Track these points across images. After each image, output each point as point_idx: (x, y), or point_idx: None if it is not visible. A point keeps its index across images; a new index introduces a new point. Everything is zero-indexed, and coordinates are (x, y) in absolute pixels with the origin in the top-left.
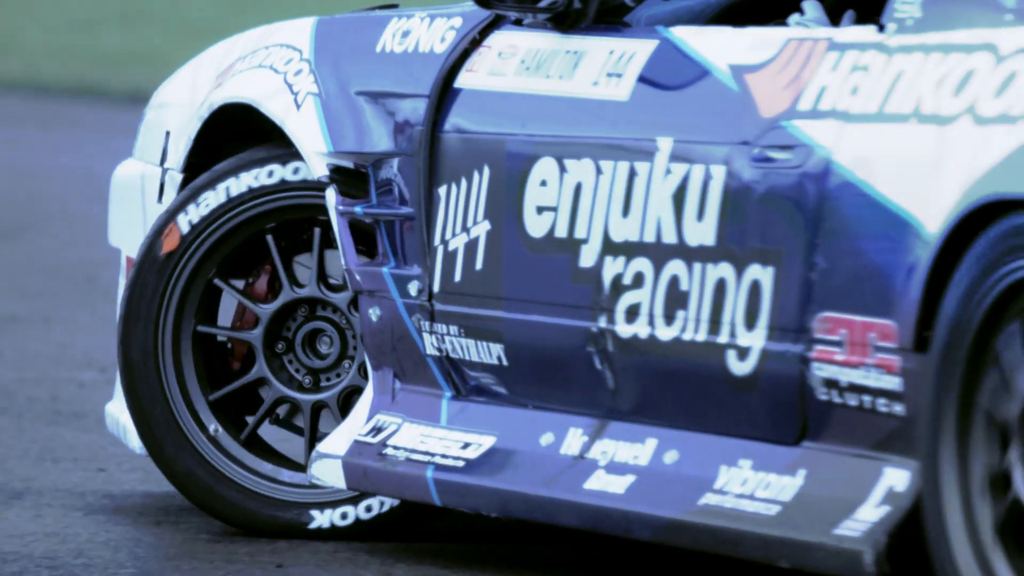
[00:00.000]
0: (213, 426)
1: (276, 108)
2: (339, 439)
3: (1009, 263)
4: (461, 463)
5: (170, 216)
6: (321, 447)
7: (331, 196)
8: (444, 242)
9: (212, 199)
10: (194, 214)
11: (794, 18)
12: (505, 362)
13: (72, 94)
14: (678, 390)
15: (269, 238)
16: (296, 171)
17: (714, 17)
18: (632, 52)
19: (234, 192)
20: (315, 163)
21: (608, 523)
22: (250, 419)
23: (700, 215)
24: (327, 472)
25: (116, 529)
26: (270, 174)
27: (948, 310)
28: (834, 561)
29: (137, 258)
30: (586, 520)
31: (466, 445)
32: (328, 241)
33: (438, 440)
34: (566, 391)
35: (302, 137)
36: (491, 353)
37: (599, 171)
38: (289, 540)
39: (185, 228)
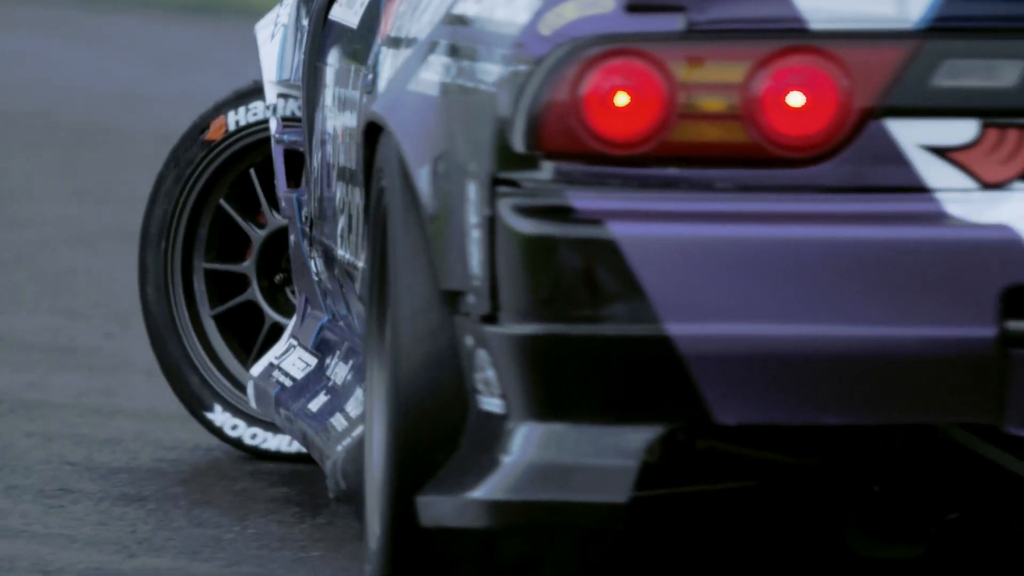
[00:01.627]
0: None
1: (261, 38)
2: (263, 362)
3: (380, 183)
4: (290, 384)
5: (217, 110)
6: (252, 369)
7: (273, 124)
8: (313, 169)
9: (260, 109)
10: (243, 116)
11: None
12: (329, 286)
13: None
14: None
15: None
16: None
17: None
18: None
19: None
20: (269, 91)
21: (308, 446)
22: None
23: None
24: (250, 393)
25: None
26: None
27: None
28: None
29: (182, 136)
30: (299, 441)
31: (305, 367)
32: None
33: (299, 362)
34: (348, 316)
35: (264, 66)
36: (327, 278)
37: (336, 99)
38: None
39: (232, 126)
